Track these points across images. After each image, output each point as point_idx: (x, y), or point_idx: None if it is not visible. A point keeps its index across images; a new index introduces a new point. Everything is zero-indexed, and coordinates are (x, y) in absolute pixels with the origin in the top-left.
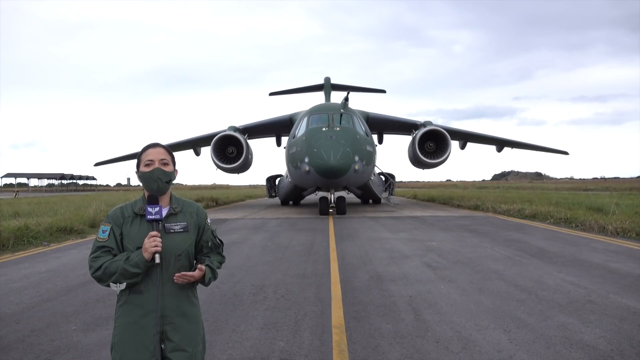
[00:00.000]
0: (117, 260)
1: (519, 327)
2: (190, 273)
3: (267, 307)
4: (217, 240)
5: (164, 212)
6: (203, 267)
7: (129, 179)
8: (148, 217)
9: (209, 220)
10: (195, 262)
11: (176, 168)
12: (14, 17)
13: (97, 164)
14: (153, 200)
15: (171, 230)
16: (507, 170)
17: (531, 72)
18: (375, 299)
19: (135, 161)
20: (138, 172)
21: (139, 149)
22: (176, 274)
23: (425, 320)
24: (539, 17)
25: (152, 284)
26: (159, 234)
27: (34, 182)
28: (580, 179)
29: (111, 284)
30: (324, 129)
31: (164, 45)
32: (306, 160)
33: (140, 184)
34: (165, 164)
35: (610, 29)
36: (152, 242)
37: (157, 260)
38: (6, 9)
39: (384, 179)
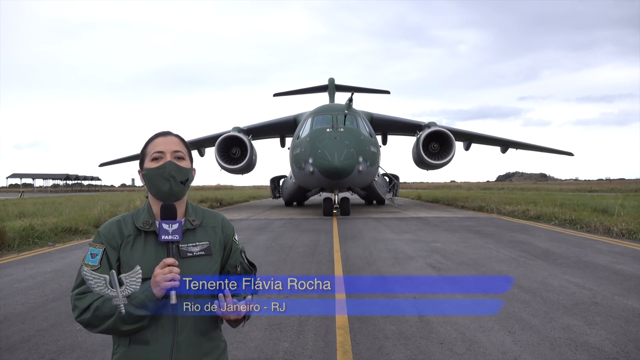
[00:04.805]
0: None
1: (523, 329)
2: (238, 305)
3: None
4: (247, 263)
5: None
6: (252, 302)
7: (133, 180)
8: (162, 236)
9: (236, 237)
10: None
11: (194, 166)
12: (15, 16)
13: (101, 165)
14: (169, 213)
15: (188, 254)
16: (511, 171)
17: (537, 72)
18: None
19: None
20: (142, 169)
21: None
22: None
23: (430, 322)
24: (545, 17)
25: (162, 331)
26: (176, 262)
27: (39, 182)
28: (585, 180)
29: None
30: (328, 129)
31: (168, 45)
32: (310, 161)
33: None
34: (180, 158)
35: (617, 28)
36: (167, 275)
37: (173, 300)
38: (7, 8)
39: (388, 179)
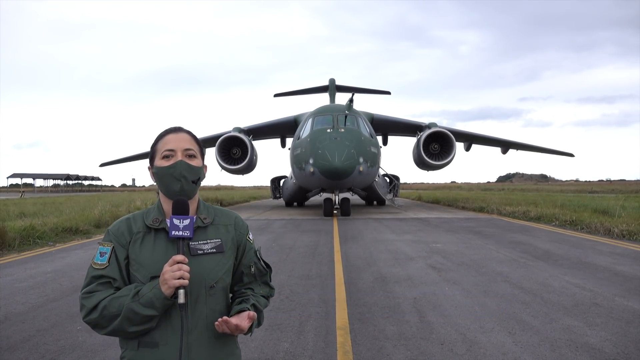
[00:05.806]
0: (120, 297)
1: (524, 330)
2: (236, 321)
3: (271, 308)
4: (262, 264)
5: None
6: (253, 313)
7: (133, 180)
8: (172, 232)
9: (250, 236)
10: (232, 297)
11: (205, 163)
12: (16, 17)
13: (102, 165)
14: (181, 208)
15: (199, 252)
16: (512, 172)
17: (538, 73)
18: (379, 300)
19: (141, 157)
20: (152, 167)
21: (143, 150)
22: (218, 320)
23: (430, 322)
24: (546, 17)
25: (172, 332)
26: (186, 259)
27: (39, 182)
28: (586, 181)
29: None
30: (328, 130)
31: (168, 46)
32: (311, 161)
33: (156, 185)
34: (192, 157)
35: (618, 29)
36: (176, 272)
37: (182, 299)
38: (9, 8)
39: (388, 180)
